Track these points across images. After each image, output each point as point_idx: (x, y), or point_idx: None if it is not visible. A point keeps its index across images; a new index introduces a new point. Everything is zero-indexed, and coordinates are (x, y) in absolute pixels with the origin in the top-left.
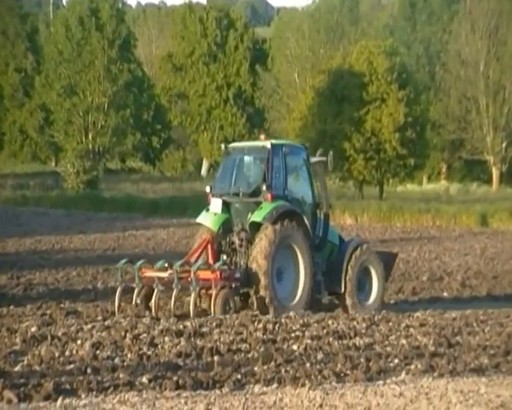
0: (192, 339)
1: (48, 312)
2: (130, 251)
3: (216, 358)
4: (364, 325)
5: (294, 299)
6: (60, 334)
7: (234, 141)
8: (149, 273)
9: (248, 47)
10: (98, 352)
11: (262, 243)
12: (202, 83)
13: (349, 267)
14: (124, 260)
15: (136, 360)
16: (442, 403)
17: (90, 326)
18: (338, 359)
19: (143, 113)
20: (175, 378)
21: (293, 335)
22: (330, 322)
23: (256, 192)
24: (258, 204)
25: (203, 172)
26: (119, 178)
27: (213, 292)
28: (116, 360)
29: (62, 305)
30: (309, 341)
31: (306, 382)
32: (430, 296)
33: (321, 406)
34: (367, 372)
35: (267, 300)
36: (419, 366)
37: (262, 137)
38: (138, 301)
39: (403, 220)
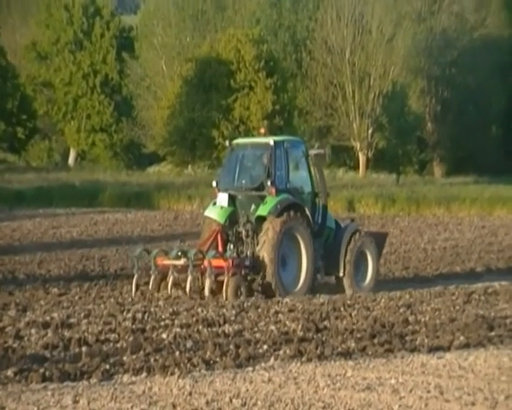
0: (59, 330)
1: None
2: None
3: (84, 349)
4: (234, 312)
5: (298, 284)
6: None
7: (101, 130)
8: (165, 262)
9: (115, 35)
10: None
11: (268, 234)
12: (68, 71)
13: (348, 251)
14: (139, 250)
15: (0, 353)
16: (310, 387)
17: None
18: (207, 346)
19: (8, 102)
20: (41, 371)
21: (162, 324)
22: (200, 310)
23: (260, 186)
24: (262, 198)
25: (70, 161)
26: None
27: (225, 279)
28: None
29: None
30: (178, 329)
31: (176, 370)
32: None
33: (190, 394)
34: (236, 359)
35: (273, 286)
36: (288, 351)
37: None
38: (154, 287)
39: None
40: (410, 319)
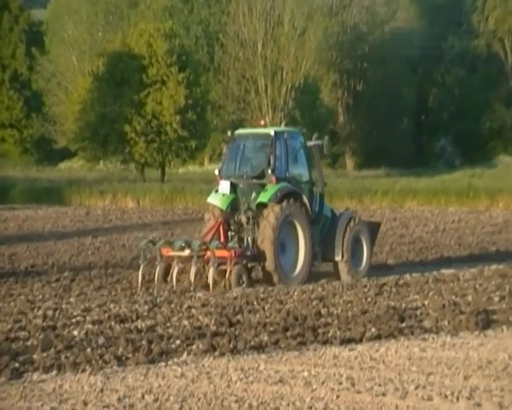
0: None
1: None
2: None
3: None
4: (146, 307)
5: (296, 270)
6: None
7: (11, 125)
8: (170, 253)
9: (24, 29)
10: None
11: (268, 221)
12: None
13: (344, 238)
14: (145, 241)
15: None
16: (223, 382)
17: None
18: (119, 342)
19: None
20: None
21: (73, 320)
22: (112, 306)
23: (261, 175)
24: (262, 186)
25: None
26: None
27: (228, 268)
28: None
29: None
30: (90, 326)
31: (87, 367)
32: None
33: (102, 390)
34: (148, 355)
35: (273, 272)
36: (200, 346)
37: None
38: (159, 278)
39: (184, 202)
40: (323, 311)
